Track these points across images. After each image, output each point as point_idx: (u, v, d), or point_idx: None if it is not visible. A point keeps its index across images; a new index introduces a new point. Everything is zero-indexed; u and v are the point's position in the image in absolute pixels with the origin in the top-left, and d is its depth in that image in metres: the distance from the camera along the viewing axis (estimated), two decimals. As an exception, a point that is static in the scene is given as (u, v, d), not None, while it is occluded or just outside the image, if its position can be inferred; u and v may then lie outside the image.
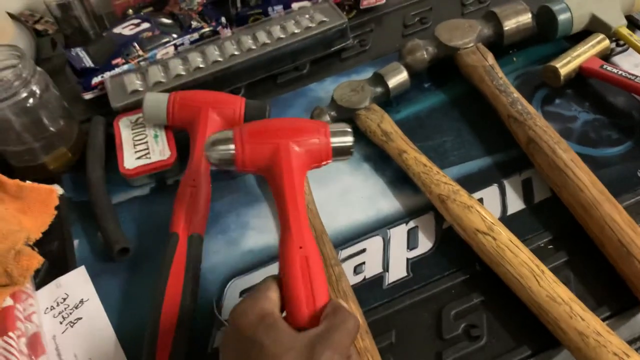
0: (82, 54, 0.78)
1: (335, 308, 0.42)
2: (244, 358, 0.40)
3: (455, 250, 0.58)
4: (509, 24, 0.72)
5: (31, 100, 0.63)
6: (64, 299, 0.58)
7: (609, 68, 0.68)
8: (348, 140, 0.53)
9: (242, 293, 0.58)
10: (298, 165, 0.51)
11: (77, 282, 0.60)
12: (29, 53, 0.83)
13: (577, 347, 0.48)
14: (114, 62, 0.77)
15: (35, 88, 0.63)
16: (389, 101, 0.71)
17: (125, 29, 0.80)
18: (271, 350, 0.38)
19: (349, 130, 0.54)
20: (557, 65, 0.68)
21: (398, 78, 0.70)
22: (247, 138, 0.51)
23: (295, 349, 0.38)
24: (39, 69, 0.65)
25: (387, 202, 0.63)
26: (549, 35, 0.74)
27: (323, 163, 0.53)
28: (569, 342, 0.49)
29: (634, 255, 0.52)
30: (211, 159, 0.51)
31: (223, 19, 0.82)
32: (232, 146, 0.51)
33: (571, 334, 0.48)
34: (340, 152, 0.53)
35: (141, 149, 0.68)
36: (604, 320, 0.51)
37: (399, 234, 0.60)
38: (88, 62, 0.77)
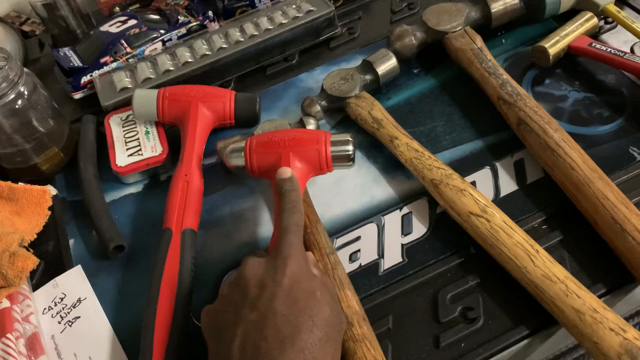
0: (70, 53, 0.78)
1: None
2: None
3: (449, 234, 0.58)
4: (497, 6, 0.72)
5: (20, 102, 0.63)
6: (62, 299, 0.58)
7: (598, 46, 0.67)
8: (348, 149, 0.57)
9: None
10: (298, 174, 0.56)
11: (74, 281, 0.60)
12: (16, 55, 0.83)
13: (574, 324, 0.48)
14: (102, 60, 0.77)
15: (23, 89, 0.63)
16: (379, 88, 0.71)
17: (112, 27, 0.79)
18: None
19: (350, 139, 0.58)
20: (546, 45, 0.68)
21: (387, 65, 0.70)
22: (255, 148, 0.58)
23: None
24: (26, 70, 0.65)
25: (380, 189, 0.63)
26: (537, 15, 0.74)
27: (325, 171, 0.58)
28: (566, 320, 0.49)
29: (628, 232, 0.52)
30: (228, 165, 0.60)
31: (210, 13, 0.81)
32: (242, 154, 0.59)
33: (567, 311, 0.48)
34: (340, 160, 0.58)
35: (133, 146, 0.68)
36: (599, 297, 0.51)
37: (393, 220, 0.60)
38: (76, 62, 0.76)
